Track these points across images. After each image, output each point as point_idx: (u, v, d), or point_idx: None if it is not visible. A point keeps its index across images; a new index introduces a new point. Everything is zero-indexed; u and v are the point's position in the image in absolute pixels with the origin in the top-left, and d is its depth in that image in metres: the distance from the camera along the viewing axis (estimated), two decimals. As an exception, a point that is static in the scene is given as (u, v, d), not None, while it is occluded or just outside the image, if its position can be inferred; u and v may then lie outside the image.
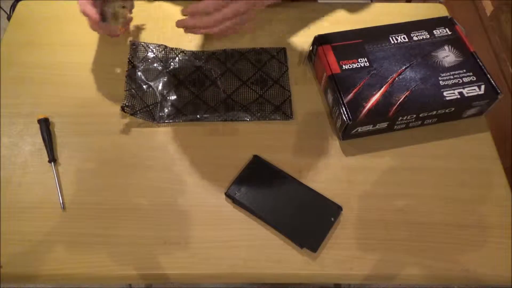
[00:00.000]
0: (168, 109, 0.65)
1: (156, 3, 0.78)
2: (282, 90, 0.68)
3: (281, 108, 0.66)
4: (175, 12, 0.77)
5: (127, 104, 0.64)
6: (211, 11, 0.58)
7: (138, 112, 0.64)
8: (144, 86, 0.67)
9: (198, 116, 0.65)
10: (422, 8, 0.80)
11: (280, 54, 0.72)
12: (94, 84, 0.68)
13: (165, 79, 0.68)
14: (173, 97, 0.66)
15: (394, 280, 0.54)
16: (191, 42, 0.72)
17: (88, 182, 0.59)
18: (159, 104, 0.65)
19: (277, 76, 0.70)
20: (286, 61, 0.71)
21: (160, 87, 0.67)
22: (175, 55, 0.70)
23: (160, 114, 0.65)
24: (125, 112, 0.63)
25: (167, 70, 0.69)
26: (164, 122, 0.64)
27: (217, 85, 0.68)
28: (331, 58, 0.65)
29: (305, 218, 0.56)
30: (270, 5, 0.62)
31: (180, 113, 0.65)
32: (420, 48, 0.66)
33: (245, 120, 0.65)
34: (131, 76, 0.67)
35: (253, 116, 0.65)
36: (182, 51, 0.71)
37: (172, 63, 0.70)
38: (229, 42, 0.72)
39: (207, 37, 0.73)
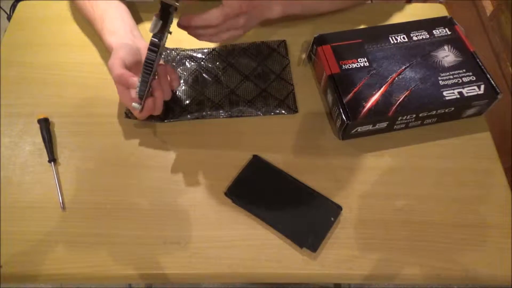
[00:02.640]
0: (172, 108, 0.65)
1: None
2: (285, 84, 0.68)
3: (285, 102, 0.66)
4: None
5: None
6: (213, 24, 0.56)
7: None
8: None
9: (203, 113, 0.65)
10: (422, 8, 0.80)
11: (280, 47, 0.72)
12: (94, 84, 0.68)
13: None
14: (177, 96, 0.66)
15: (394, 279, 0.54)
16: (190, 41, 0.72)
17: (88, 182, 0.59)
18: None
19: (279, 69, 0.70)
20: (287, 54, 0.71)
21: None
22: (175, 55, 0.71)
23: (165, 113, 0.64)
24: (130, 118, 0.63)
25: None
26: (170, 121, 0.64)
27: (219, 81, 0.68)
28: (331, 58, 0.65)
29: (305, 218, 0.56)
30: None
31: (185, 111, 0.65)
32: (419, 48, 0.66)
33: (250, 116, 0.65)
34: None
35: (258, 111, 0.65)
36: (183, 51, 0.71)
37: (173, 63, 0.70)
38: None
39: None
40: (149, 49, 0.53)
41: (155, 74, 0.57)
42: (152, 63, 0.53)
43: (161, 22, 0.51)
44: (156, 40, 0.52)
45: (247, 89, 0.67)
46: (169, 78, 0.60)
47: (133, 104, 0.57)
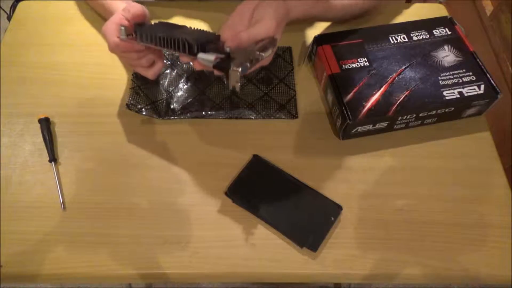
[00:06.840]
0: (173, 105, 0.65)
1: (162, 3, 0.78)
2: (287, 89, 0.68)
3: (286, 107, 0.66)
4: (178, 12, 0.77)
5: (132, 102, 0.64)
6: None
7: (143, 109, 0.64)
8: (150, 84, 0.67)
9: (203, 113, 0.65)
10: (422, 8, 0.80)
11: (285, 53, 0.72)
12: (94, 84, 0.68)
13: (171, 77, 0.68)
14: (179, 94, 0.67)
15: (394, 279, 0.54)
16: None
17: (88, 181, 0.59)
18: (164, 101, 0.66)
19: (282, 75, 0.70)
20: (292, 61, 0.71)
21: (166, 85, 0.67)
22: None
23: (166, 110, 0.65)
24: (130, 109, 0.63)
25: (173, 68, 0.69)
26: (170, 119, 0.64)
27: (222, 82, 0.68)
28: (331, 58, 0.65)
29: (305, 217, 0.56)
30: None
31: (186, 109, 0.65)
32: (420, 48, 0.66)
33: (250, 118, 0.65)
34: (137, 74, 0.68)
35: (258, 114, 0.65)
36: None
37: (177, 61, 0.70)
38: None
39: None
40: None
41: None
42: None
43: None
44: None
45: (249, 92, 0.68)
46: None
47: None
